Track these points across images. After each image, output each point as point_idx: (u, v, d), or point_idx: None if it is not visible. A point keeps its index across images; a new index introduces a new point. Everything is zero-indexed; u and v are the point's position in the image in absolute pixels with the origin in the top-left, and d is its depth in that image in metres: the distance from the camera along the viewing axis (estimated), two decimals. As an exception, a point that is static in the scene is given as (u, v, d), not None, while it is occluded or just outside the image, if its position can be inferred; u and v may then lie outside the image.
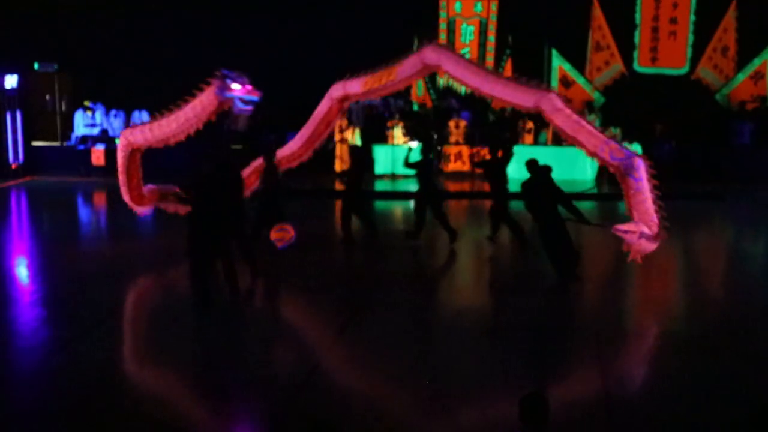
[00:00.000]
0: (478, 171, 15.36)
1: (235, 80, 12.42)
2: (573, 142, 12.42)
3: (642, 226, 11.60)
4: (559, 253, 12.52)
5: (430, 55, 13.20)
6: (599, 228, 13.52)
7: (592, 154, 12.29)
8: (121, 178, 14.37)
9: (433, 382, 8.62)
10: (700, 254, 15.54)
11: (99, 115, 24.90)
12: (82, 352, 9.59)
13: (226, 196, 12.79)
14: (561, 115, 12.35)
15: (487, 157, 16.53)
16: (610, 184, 21.84)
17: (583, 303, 11.95)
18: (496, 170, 15.10)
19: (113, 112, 25.15)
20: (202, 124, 13.25)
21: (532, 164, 13.11)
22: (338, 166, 22.62)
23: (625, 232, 11.44)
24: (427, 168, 15.13)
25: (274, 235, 11.91)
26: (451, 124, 23.43)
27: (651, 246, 11.60)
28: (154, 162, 15.13)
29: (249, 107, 12.60)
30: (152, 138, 13.60)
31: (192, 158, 12.43)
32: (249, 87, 12.57)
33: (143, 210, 14.70)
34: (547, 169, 12.92)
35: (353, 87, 14.16)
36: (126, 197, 14.43)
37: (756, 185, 21.07)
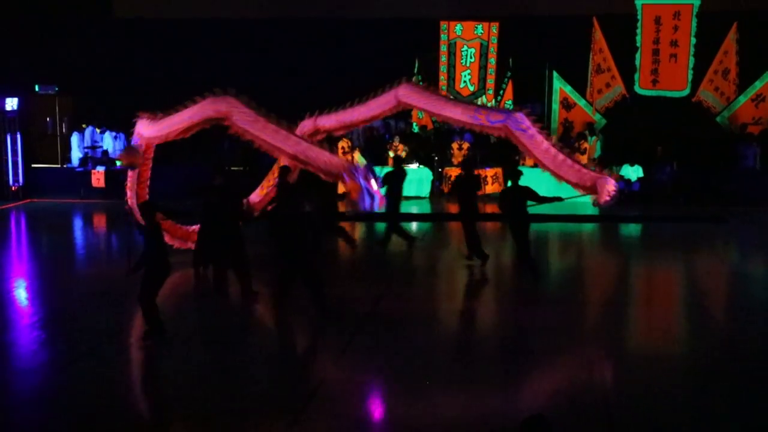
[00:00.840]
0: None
1: (374, 176, 12.18)
2: (445, 119, 13.38)
3: (606, 179, 12.47)
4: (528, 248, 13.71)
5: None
6: (573, 199, 14.22)
7: (472, 125, 13.11)
8: (180, 129, 13.49)
9: (436, 404, 8.53)
10: (701, 276, 15.43)
11: (108, 137, 24.91)
12: (82, 374, 9.50)
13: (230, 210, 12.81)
14: (421, 97, 13.28)
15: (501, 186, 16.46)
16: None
17: (584, 325, 11.85)
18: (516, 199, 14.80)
19: (113, 134, 25.15)
20: (291, 169, 13.62)
21: (519, 174, 13.93)
22: (341, 188, 22.48)
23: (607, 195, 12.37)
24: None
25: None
26: (454, 146, 23.41)
27: (611, 184, 12.49)
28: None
29: (366, 203, 12.12)
30: (251, 129, 12.78)
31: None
32: (378, 190, 12.23)
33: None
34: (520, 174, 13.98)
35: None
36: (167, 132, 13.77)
37: (760, 208, 21.00)
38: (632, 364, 10.09)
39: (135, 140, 14.24)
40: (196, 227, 15.17)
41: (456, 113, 13.18)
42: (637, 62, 23.63)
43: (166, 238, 14.52)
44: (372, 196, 11.99)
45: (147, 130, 13.82)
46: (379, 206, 12.27)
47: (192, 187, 14.66)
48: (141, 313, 10.55)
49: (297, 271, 11.49)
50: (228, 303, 12.74)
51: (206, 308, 12.66)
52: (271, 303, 11.88)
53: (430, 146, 24.25)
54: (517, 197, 13.73)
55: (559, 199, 13.94)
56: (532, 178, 18.63)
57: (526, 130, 12.73)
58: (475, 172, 16.41)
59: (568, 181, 13.07)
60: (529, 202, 13.59)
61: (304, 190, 15.02)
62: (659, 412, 8.49)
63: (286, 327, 11.66)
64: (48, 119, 25.58)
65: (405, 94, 13.51)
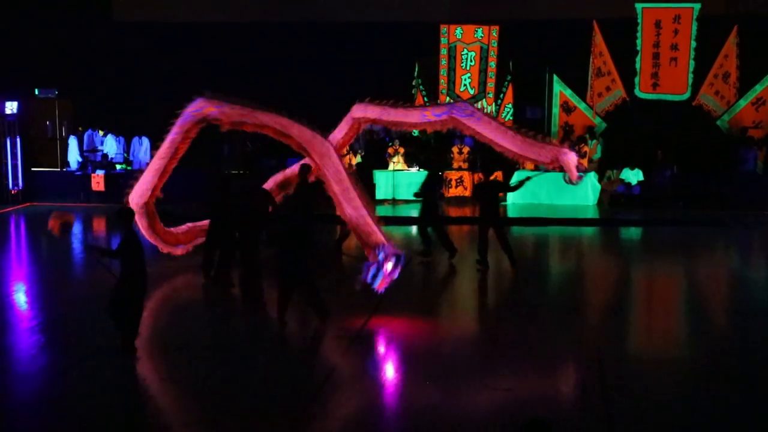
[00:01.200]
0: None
1: (396, 264, 11.80)
2: (400, 125, 14.11)
3: (566, 152, 12.96)
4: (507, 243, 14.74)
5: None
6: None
7: (423, 125, 13.89)
8: (266, 127, 13.56)
9: (435, 406, 8.52)
10: (702, 280, 15.40)
11: (111, 139, 24.90)
12: (82, 377, 9.48)
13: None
14: (375, 109, 14.00)
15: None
16: (612, 206, 21.93)
17: (585, 329, 11.82)
18: (488, 193, 15.22)
19: (115, 137, 25.15)
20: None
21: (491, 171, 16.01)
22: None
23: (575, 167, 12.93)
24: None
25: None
26: (455, 149, 23.42)
27: (572, 156, 13.07)
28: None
29: (369, 276, 11.70)
30: (331, 178, 12.97)
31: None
32: (389, 277, 11.76)
33: None
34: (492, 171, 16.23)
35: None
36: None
37: (761, 211, 20.98)
38: (633, 367, 10.08)
39: (189, 115, 13.75)
40: (182, 228, 15.12)
41: (407, 117, 13.87)
42: (638, 66, 23.64)
43: (158, 244, 14.51)
44: (377, 275, 11.65)
45: (219, 109, 13.60)
46: (378, 288, 11.72)
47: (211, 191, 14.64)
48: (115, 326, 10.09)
49: (295, 278, 11.37)
50: (231, 309, 12.72)
51: (207, 314, 12.65)
52: (275, 311, 11.74)
53: (430, 149, 24.24)
54: (490, 191, 14.96)
55: (528, 178, 14.92)
56: (531, 182, 18.81)
57: (472, 114, 13.21)
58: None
59: (527, 158, 13.46)
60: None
61: (300, 199, 15.05)
62: (660, 416, 8.48)
63: (285, 332, 11.62)
64: (48, 123, 25.56)
65: (357, 110, 14.31)
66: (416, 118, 13.81)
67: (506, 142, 13.21)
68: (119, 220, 10.21)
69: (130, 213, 10.70)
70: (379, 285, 11.67)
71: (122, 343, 10.03)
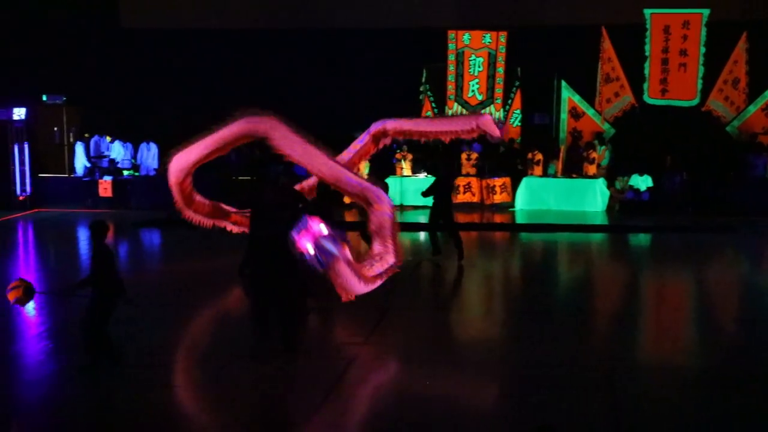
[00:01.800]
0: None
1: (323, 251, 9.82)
2: (358, 159, 13.74)
3: (480, 116, 13.06)
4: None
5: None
6: None
7: (360, 155, 13.52)
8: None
9: (442, 414, 8.45)
10: (712, 287, 15.32)
11: (118, 145, 24.92)
12: (88, 385, 9.43)
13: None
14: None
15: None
16: (621, 213, 21.89)
17: (593, 336, 11.75)
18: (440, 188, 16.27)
19: (122, 143, 25.20)
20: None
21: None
22: (348, 198, 22.42)
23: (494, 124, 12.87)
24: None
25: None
26: (463, 156, 23.37)
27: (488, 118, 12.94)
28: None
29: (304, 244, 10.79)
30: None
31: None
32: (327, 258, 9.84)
33: None
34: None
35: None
36: None
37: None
38: (642, 374, 10.00)
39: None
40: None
41: (350, 152, 13.60)
42: (646, 72, 23.59)
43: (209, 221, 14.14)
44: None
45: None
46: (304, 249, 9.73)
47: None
48: (84, 342, 9.63)
49: (276, 296, 10.43)
50: (235, 316, 12.68)
51: (227, 323, 12.62)
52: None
53: (437, 156, 24.20)
54: (443, 188, 16.28)
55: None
56: (540, 188, 18.78)
57: (400, 119, 13.38)
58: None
59: (453, 133, 13.49)
60: None
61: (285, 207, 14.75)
62: (669, 423, 8.40)
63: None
64: (55, 129, 25.65)
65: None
66: (354, 149, 13.40)
67: (430, 127, 13.46)
68: (93, 234, 9.74)
69: (104, 227, 9.94)
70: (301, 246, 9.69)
71: (110, 355, 9.75)
